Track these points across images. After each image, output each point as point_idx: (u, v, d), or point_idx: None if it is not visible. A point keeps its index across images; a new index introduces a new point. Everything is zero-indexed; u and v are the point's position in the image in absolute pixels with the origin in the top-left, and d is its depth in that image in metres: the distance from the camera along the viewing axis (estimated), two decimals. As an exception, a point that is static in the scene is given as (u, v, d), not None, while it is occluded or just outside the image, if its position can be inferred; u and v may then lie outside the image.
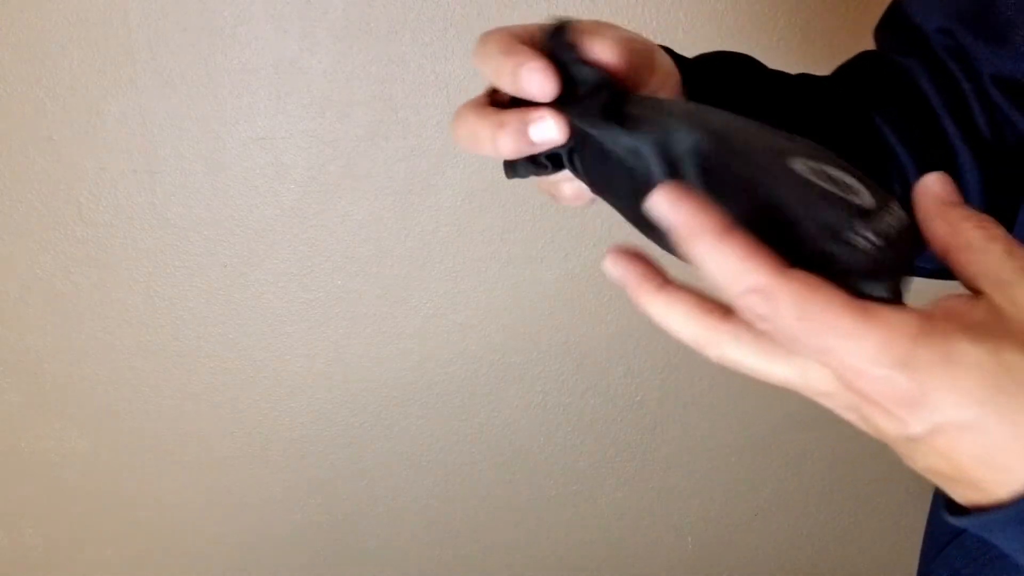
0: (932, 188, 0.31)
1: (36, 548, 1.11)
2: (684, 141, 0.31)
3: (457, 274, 1.02)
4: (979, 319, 0.28)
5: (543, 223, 1.00)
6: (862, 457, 1.19)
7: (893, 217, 0.30)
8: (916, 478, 0.31)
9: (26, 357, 1.01)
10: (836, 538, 1.23)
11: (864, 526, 1.23)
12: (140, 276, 0.99)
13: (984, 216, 0.30)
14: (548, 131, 0.37)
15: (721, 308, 0.30)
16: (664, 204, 0.29)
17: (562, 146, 0.37)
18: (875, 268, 0.29)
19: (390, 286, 1.02)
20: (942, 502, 0.32)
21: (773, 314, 0.28)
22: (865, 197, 0.30)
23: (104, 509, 1.09)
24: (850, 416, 0.31)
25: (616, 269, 0.32)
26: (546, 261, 1.02)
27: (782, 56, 0.93)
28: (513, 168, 0.40)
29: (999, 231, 0.30)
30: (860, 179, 0.31)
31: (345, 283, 1.01)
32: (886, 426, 0.29)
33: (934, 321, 0.28)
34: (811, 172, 0.30)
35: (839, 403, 0.30)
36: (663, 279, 0.32)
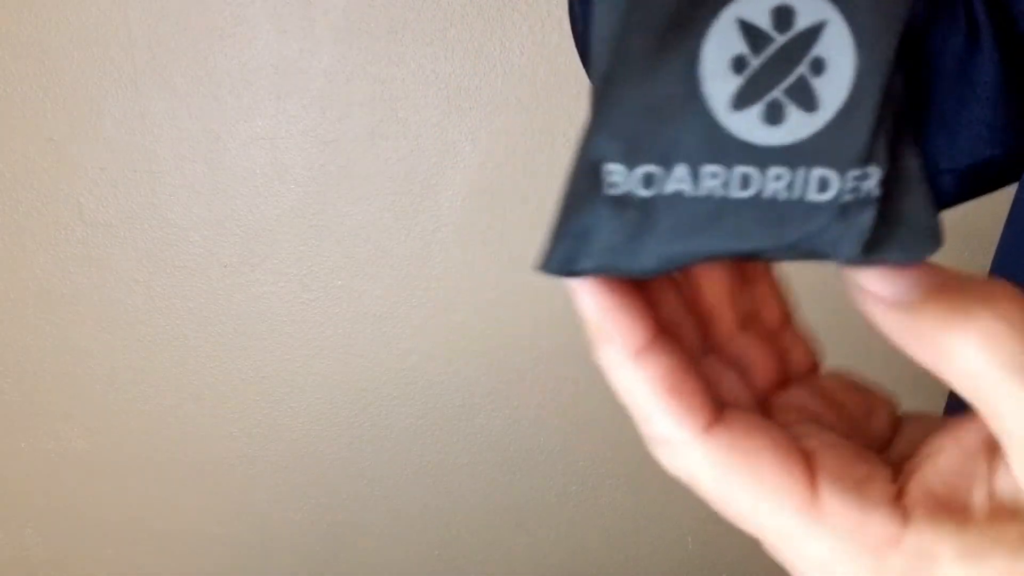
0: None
1: (36, 548, 1.11)
2: None
3: (457, 274, 1.02)
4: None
5: (543, 223, 1.00)
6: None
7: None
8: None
9: (26, 357, 1.01)
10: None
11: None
12: (140, 276, 0.99)
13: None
14: None
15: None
16: (584, 293, 0.21)
17: None
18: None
19: (390, 286, 1.02)
20: None
21: (687, 476, 0.22)
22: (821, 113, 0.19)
23: (104, 509, 1.09)
24: None
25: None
26: (546, 261, 1.02)
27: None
28: None
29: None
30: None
31: (345, 283, 1.01)
32: None
33: (921, 523, 0.20)
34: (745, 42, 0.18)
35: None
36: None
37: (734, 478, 0.21)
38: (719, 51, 0.18)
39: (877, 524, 0.20)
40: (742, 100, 0.19)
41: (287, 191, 0.97)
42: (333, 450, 1.09)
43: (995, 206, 0.52)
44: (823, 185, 0.19)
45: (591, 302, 0.21)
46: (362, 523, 1.14)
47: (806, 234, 0.20)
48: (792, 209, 0.19)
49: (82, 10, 0.88)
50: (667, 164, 0.19)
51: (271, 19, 0.90)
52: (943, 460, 0.21)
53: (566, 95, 0.94)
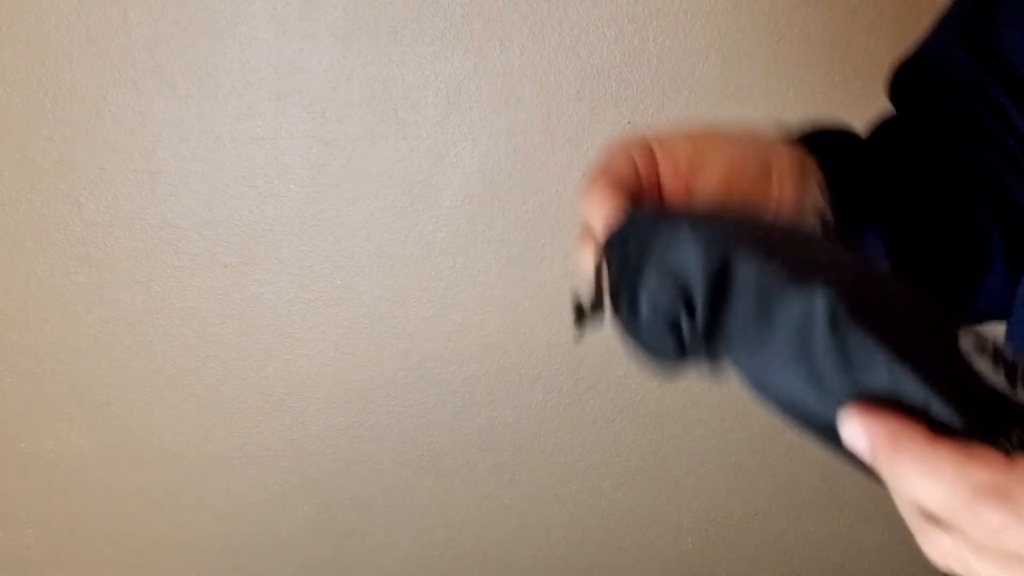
0: None
1: (36, 548, 1.11)
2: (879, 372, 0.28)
3: (457, 274, 1.02)
4: None
5: (543, 223, 1.00)
6: (862, 457, 1.18)
7: None
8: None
9: (26, 357, 1.01)
10: (836, 538, 1.23)
11: (864, 526, 1.23)
12: (140, 276, 0.99)
13: None
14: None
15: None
16: (858, 427, 0.25)
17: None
18: None
19: (390, 286, 1.02)
20: None
21: (1017, 515, 0.23)
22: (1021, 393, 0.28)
23: (104, 509, 1.09)
24: None
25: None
26: (546, 261, 1.02)
27: (782, 56, 0.93)
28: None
29: None
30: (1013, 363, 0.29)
31: (345, 283, 1.01)
32: None
33: None
34: (977, 350, 0.28)
35: None
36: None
37: None
38: (984, 367, 0.28)
39: None
40: (1011, 381, 0.27)
41: (287, 191, 0.97)
42: (333, 450, 1.09)
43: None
44: None
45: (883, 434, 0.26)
46: (362, 523, 1.14)
47: None
48: None
49: (82, 10, 0.88)
50: (1007, 436, 0.27)
51: (271, 19, 0.90)
52: None
53: (566, 95, 0.94)
